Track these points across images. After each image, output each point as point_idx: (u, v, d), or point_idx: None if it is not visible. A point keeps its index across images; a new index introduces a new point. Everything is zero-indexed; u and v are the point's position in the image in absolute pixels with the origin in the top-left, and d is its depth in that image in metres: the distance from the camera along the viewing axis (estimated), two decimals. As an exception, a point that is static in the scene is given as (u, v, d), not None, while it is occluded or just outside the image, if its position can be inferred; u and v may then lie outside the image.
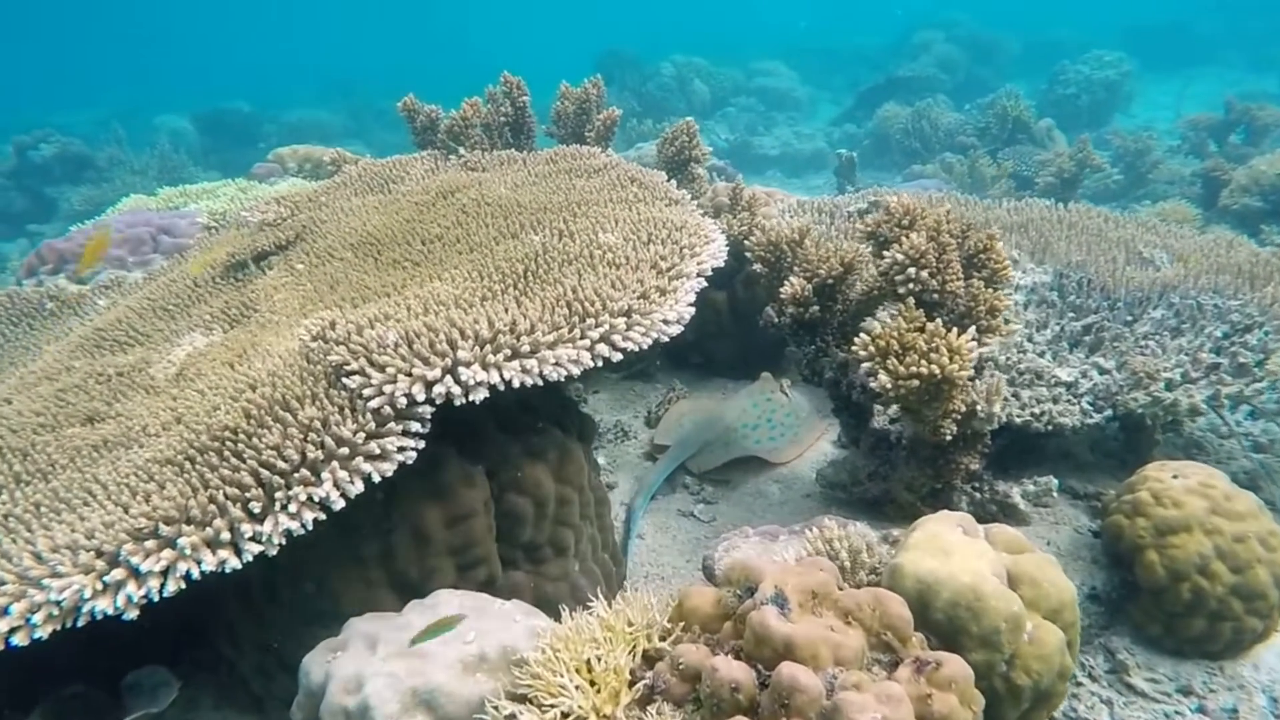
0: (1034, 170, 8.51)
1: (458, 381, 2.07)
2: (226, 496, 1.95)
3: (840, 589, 1.80)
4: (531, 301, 2.37)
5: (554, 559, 2.53)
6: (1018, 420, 2.95)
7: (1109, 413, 3.06)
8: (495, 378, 2.09)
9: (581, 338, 2.21)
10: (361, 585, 2.27)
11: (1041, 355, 3.38)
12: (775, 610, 1.65)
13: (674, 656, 1.68)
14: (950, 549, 2.05)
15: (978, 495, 2.93)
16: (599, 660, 1.71)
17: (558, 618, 2.15)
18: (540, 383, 2.13)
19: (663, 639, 1.80)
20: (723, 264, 2.80)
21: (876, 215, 2.94)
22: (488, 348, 2.13)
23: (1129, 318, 3.58)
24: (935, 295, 2.72)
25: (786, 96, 16.79)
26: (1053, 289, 3.79)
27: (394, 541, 2.28)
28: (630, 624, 1.79)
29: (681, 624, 1.81)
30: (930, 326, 2.52)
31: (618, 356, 2.25)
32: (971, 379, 2.54)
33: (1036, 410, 2.96)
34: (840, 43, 21.34)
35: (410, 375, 2.09)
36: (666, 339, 2.37)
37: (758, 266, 3.36)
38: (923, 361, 2.46)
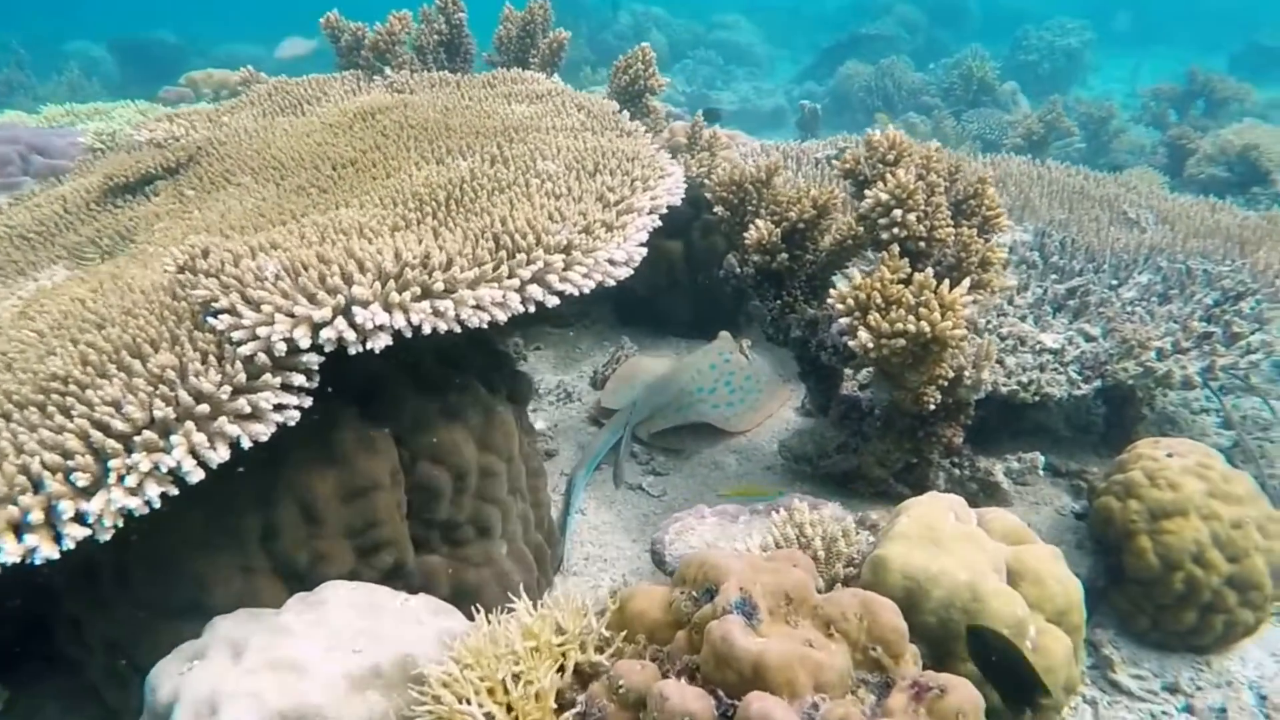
0: (999, 133, 8.26)
1: (352, 324, 1.67)
2: (44, 465, 1.52)
3: (819, 591, 1.47)
4: (452, 233, 1.96)
5: (476, 540, 2.15)
6: (1003, 390, 2.65)
7: (1098, 383, 2.78)
8: (400, 321, 1.68)
9: (510, 276, 1.82)
10: (238, 572, 1.86)
11: (1023, 319, 3.10)
12: (741, 621, 1.31)
13: (613, 676, 1.32)
14: (943, 539, 1.74)
15: (957, 472, 2.64)
16: (517, 681, 1.35)
17: (483, 612, 1.79)
18: (457, 329, 1.73)
19: (600, 649, 1.45)
20: (679, 202, 2.42)
21: (855, 150, 2.58)
22: (391, 284, 1.71)
23: (1114, 281, 3.32)
24: (921, 243, 2.38)
25: (747, 52, 16.30)
26: (1034, 249, 3.51)
27: (277, 519, 1.87)
28: (560, 632, 1.43)
29: (624, 632, 1.46)
30: (919, 277, 2.18)
31: (553, 300, 1.86)
32: (962, 340, 2.22)
33: (1024, 379, 2.67)
34: (802, 1, 20.87)
35: (292, 315, 1.67)
36: (613, 282, 1.98)
37: (719, 209, 2.98)
38: (910, 317, 2.12)
